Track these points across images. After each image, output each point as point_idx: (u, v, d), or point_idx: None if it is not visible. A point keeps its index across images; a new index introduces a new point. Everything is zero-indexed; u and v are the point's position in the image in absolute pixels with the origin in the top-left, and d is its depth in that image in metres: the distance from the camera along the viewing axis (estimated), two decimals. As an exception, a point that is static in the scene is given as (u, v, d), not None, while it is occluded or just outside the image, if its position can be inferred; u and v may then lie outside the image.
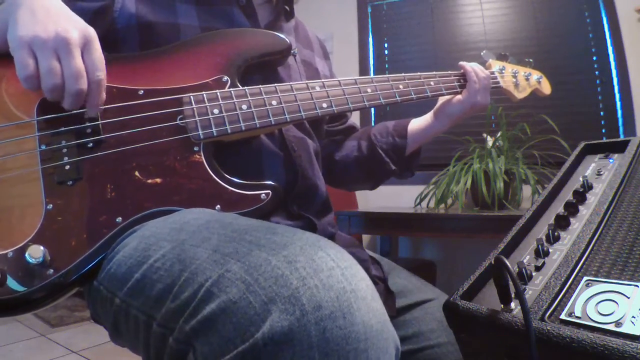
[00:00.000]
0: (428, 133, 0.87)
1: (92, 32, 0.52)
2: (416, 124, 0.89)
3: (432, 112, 0.88)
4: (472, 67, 0.84)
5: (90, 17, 0.63)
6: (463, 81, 0.84)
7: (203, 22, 0.65)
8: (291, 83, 0.63)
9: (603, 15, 2.16)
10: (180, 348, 0.36)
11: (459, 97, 0.83)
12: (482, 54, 0.93)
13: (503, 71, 0.91)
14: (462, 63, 0.85)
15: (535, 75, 0.96)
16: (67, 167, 0.51)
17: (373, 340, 0.34)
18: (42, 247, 0.46)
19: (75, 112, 0.53)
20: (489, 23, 2.37)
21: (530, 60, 0.97)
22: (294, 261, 0.35)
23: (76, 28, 0.51)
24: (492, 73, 0.88)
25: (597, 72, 2.18)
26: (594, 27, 2.18)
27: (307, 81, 0.65)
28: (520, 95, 0.92)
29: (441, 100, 0.86)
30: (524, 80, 0.93)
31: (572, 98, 2.18)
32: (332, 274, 0.35)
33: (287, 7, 0.78)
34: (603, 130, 2.16)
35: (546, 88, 0.97)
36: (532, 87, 0.95)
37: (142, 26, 0.63)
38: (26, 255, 0.46)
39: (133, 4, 0.63)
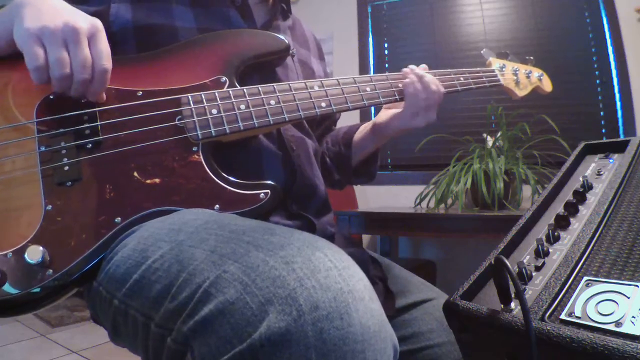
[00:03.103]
0: (366, 146, 0.83)
1: (99, 23, 0.53)
2: (359, 133, 0.84)
3: (371, 124, 0.82)
4: (414, 83, 0.73)
5: None
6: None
7: (200, 23, 0.65)
8: (289, 82, 0.63)
9: (603, 15, 2.16)
10: (178, 349, 0.36)
11: (396, 117, 0.76)
12: (482, 52, 0.93)
13: (503, 69, 0.90)
14: (404, 81, 0.73)
15: (536, 72, 0.96)
16: (66, 168, 0.51)
17: (370, 341, 0.34)
18: (41, 248, 0.46)
19: (73, 114, 0.53)
20: (489, 23, 2.37)
21: (531, 58, 0.97)
22: (291, 262, 0.35)
23: (84, 19, 0.52)
24: (492, 71, 0.88)
25: (597, 72, 2.17)
26: (594, 27, 2.18)
27: (305, 80, 0.65)
28: (521, 93, 0.92)
29: (382, 114, 0.80)
30: (524, 78, 0.93)
31: (572, 98, 2.18)
32: (330, 274, 0.35)
33: (283, 6, 0.78)
34: (603, 130, 2.16)
35: (547, 85, 0.97)
36: (533, 84, 0.95)
37: (138, 29, 0.63)
38: (25, 255, 0.46)
39: (129, 8, 0.63)
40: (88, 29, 0.51)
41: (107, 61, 0.52)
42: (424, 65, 0.80)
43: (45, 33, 0.49)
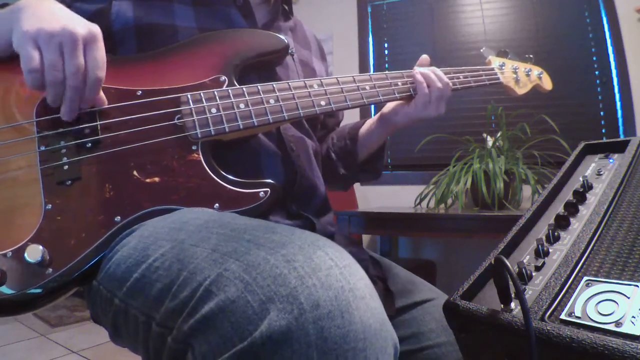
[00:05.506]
0: (372, 139, 0.83)
1: (97, 30, 0.53)
2: (365, 127, 0.85)
3: (378, 115, 0.83)
4: (425, 75, 0.75)
5: (87, 19, 0.63)
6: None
7: (201, 23, 0.65)
8: (289, 81, 0.63)
9: (603, 15, 2.16)
10: (179, 347, 0.36)
11: (407, 108, 0.76)
12: (481, 50, 0.93)
13: (503, 67, 0.90)
14: (414, 71, 0.76)
15: (536, 71, 0.96)
16: (66, 167, 0.51)
17: (371, 339, 0.33)
18: (41, 247, 0.46)
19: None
20: (489, 23, 2.37)
21: (531, 56, 0.97)
22: (293, 260, 0.35)
23: (82, 25, 0.51)
24: (492, 69, 0.88)
25: (597, 72, 2.17)
26: (594, 27, 2.18)
27: (304, 79, 0.65)
28: (521, 91, 0.92)
29: (389, 105, 0.80)
30: (524, 76, 0.93)
31: (572, 98, 2.18)
32: (331, 273, 0.35)
33: (285, 7, 0.78)
34: (603, 130, 2.16)
35: (547, 84, 0.97)
36: (533, 82, 0.95)
37: (139, 28, 0.63)
38: (25, 255, 0.46)
39: (130, 7, 0.63)
40: (85, 35, 0.51)
41: (100, 70, 0.51)
42: (425, 56, 0.81)
43: (41, 36, 0.49)
